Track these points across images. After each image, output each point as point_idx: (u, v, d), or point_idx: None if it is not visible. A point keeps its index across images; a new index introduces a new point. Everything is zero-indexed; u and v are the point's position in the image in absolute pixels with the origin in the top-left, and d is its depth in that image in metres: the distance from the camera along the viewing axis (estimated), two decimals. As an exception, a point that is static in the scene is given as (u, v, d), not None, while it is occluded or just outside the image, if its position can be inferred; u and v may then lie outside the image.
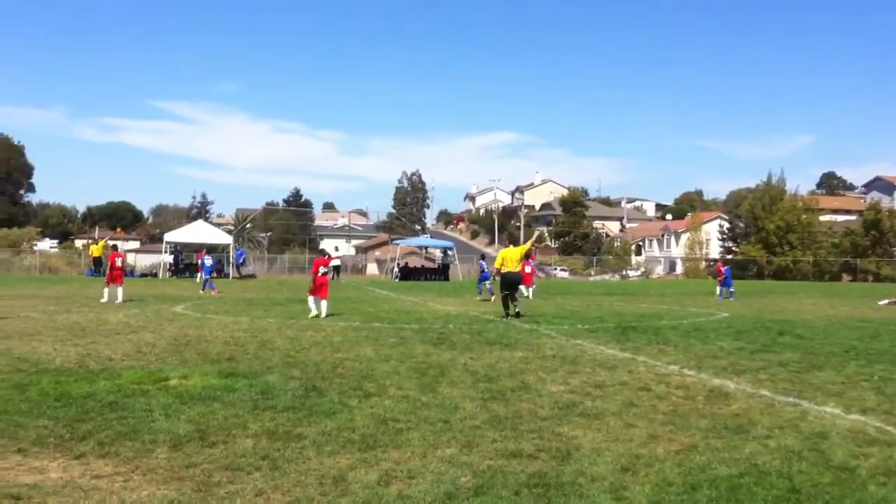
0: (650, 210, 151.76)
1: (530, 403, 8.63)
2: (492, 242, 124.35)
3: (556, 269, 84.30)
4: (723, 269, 36.34)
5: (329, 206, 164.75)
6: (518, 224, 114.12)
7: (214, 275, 34.71)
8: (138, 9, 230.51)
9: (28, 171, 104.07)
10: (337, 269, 57.32)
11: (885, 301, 31.21)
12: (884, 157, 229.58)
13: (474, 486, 5.59)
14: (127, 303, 23.82)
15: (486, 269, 31.66)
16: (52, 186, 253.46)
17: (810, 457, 6.55)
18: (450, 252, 63.97)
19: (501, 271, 20.92)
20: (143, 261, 72.63)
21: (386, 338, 14.96)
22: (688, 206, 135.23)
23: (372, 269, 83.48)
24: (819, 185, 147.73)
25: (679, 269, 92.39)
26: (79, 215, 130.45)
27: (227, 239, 56.85)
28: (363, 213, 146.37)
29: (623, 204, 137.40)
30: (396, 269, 60.05)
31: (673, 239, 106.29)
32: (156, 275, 54.35)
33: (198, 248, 58.15)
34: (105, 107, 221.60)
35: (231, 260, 54.48)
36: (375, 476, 5.81)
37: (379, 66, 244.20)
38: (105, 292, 24.64)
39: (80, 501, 5.22)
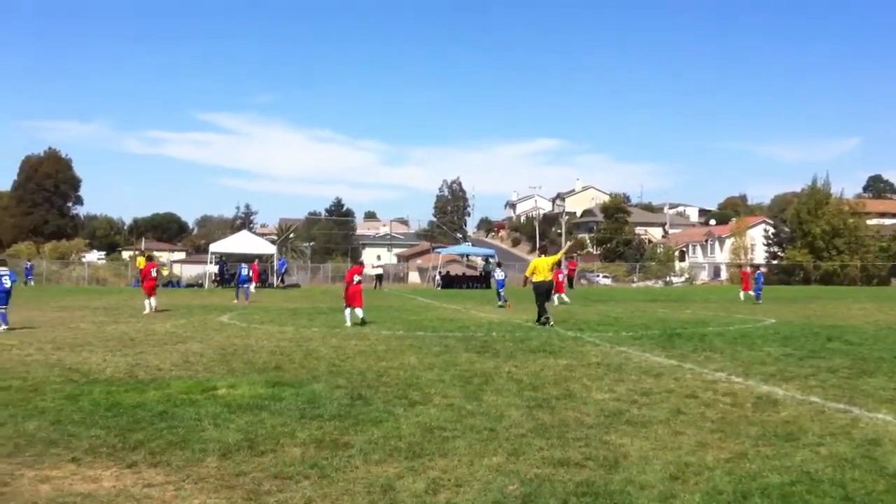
0: (693, 215, 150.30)
1: (576, 411, 8.59)
2: (533, 250, 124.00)
3: (598, 275, 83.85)
4: (755, 273, 36.06)
5: (370, 216, 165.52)
6: (559, 231, 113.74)
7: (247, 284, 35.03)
8: (180, 23, 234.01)
9: (76, 183, 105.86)
10: (379, 277, 57.65)
11: None
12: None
13: (522, 495, 5.59)
14: (161, 312, 24.16)
15: (500, 278, 33.10)
16: (99, 199, 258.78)
17: (863, 464, 6.45)
18: (492, 260, 63.92)
19: (533, 280, 20.94)
20: (188, 271, 73.56)
21: (429, 346, 14.99)
22: (731, 211, 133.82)
23: (414, 277, 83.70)
24: (865, 189, 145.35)
25: (724, 274, 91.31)
26: (125, 227, 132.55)
27: (270, 249, 57.38)
28: (404, 222, 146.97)
29: (665, 209, 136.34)
30: (438, 278, 60.16)
31: (717, 244, 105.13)
32: (201, 285, 55.00)
33: (241, 259, 58.87)
34: (149, 119, 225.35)
35: (274, 269, 54.97)
36: (423, 484, 5.83)
37: (419, 75, 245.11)
38: (146, 304, 24.96)
39: (133, 509, 5.30)
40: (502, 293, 31.42)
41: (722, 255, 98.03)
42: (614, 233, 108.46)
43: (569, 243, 31.90)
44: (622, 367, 12.24)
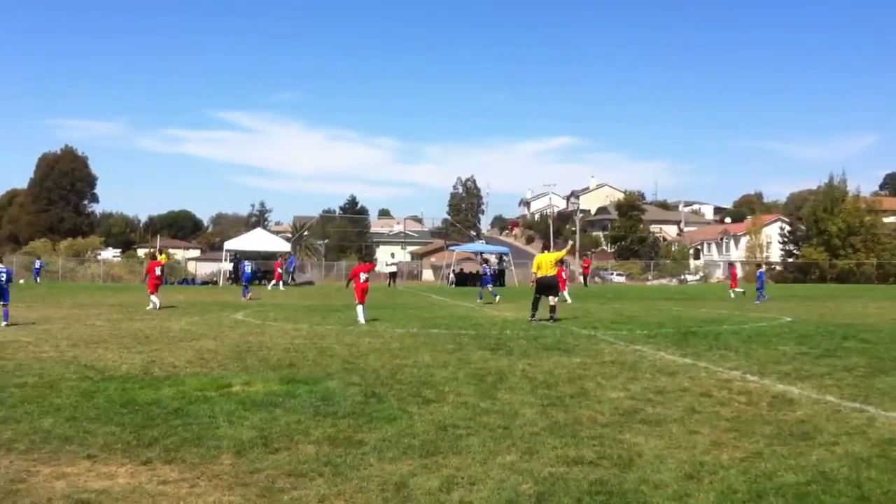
0: (708, 213, 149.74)
1: (590, 410, 8.58)
2: (546, 247, 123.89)
3: (612, 273, 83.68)
4: (757, 271, 36.41)
5: (385, 213, 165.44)
6: (573, 229, 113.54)
7: (258, 282, 35.33)
8: (197, 21, 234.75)
9: (91, 181, 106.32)
10: (393, 275, 57.70)
11: None
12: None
13: (536, 494, 5.58)
14: (164, 309, 24.50)
15: (488, 273, 35.97)
16: (114, 196, 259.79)
17: (879, 464, 6.41)
18: (505, 257, 63.87)
19: (537, 276, 21.12)
20: (203, 269, 73.89)
21: (443, 344, 14.99)
22: (747, 209, 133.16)
23: (427, 275, 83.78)
24: (882, 186, 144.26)
25: (739, 272, 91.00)
26: (141, 224, 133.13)
27: (285, 246, 57.62)
28: (418, 220, 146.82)
29: (680, 207, 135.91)
30: (452, 275, 60.18)
31: (732, 242, 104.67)
32: (216, 282, 55.22)
33: (255, 256, 59.06)
34: (166, 118, 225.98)
35: (288, 268, 55.15)
36: (437, 482, 5.83)
37: (434, 72, 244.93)
38: (151, 301, 25.25)
39: (148, 506, 5.33)
40: (490, 289, 33.50)
41: (737, 254, 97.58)
42: (629, 230, 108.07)
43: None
44: (636, 365, 12.21)
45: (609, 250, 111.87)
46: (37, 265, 56.46)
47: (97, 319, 20.55)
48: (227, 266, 56.72)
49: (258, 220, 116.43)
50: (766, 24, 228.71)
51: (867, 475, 6.07)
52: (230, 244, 56.61)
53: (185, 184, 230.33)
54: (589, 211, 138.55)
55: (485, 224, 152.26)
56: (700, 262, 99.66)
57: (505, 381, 10.45)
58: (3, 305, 18.61)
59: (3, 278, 19.08)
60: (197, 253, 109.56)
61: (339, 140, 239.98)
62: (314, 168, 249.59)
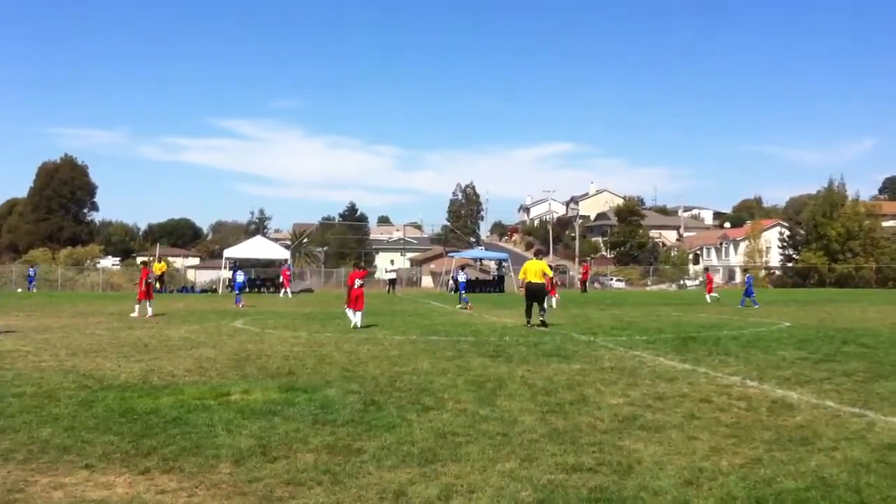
0: (708, 218, 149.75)
1: (590, 416, 8.56)
2: (547, 254, 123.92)
3: (612, 279, 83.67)
4: (745, 277, 37.17)
5: (384, 220, 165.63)
6: (573, 235, 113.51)
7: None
8: (198, 30, 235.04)
9: (91, 190, 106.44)
10: (392, 282, 57.70)
11: None
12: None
13: (535, 501, 5.57)
14: (153, 317, 24.66)
15: (462, 280, 37.20)
16: (114, 205, 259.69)
17: (879, 469, 6.40)
18: (504, 264, 63.88)
19: (525, 282, 21.62)
20: (202, 277, 73.87)
21: (443, 351, 14.98)
22: (746, 214, 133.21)
23: (427, 281, 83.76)
24: (882, 190, 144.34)
25: (738, 277, 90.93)
26: (140, 233, 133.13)
27: (284, 254, 57.63)
28: (418, 227, 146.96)
29: (680, 212, 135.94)
30: (451, 282, 60.13)
31: (731, 247, 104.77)
32: (215, 290, 55.20)
33: (254, 264, 59.13)
34: (167, 126, 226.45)
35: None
36: (436, 490, 5.81)
37: (434, 79, 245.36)
38: (146, 307, 25.43)
39: (146, 516, 5.31)
40: (463, 294, 34.57)
41: (736, 258, 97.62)
42: (628, 236, 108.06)
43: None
44: (636, 371, 12.20)
45: (609, 256, 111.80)
46: (31, 273, 56.40)
47: (96, 328, 20.52)
48: (227, 274, 56.66)
49: (258, 227, 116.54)
50: (766, 28, 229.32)
51: (866, 480, 6.06)
52: (229, 252, 56.58)
53: (185, 192, 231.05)
54: (588, 217, 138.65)
55: (484, 230, 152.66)
56: (699, 267, 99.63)
57: (504, 388, 10.44)
58: None
59: None
60: (196, 261, 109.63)
61: (340, 147, 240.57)
62: (314, 175, 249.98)
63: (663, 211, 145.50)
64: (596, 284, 74.77)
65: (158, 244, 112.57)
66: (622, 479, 6.11)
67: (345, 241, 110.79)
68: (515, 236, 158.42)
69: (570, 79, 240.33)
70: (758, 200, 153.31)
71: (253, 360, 13.49)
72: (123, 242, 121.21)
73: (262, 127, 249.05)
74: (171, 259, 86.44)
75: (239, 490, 5.85)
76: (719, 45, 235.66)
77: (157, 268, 53.14)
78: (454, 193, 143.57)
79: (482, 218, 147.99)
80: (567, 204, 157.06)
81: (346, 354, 14.37)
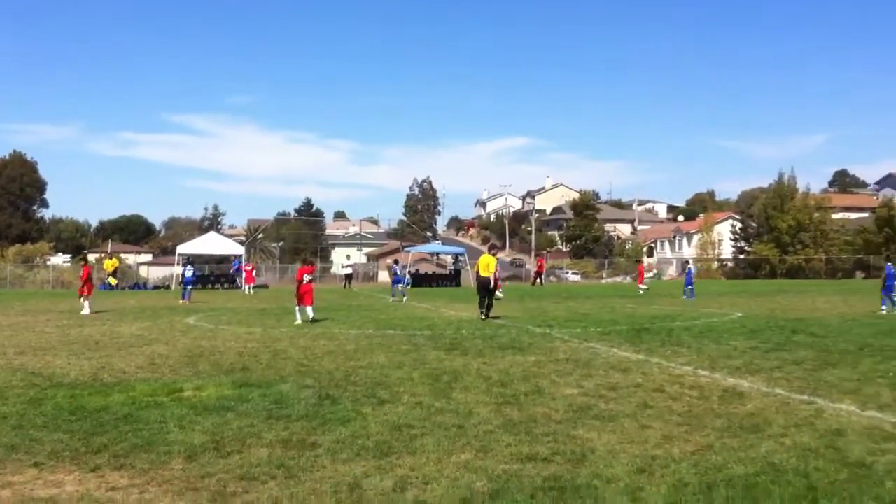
0: (662, 212, 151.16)
1: (544, 407, 8.62)
2: (503, 248, 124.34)
3: (567, 272, 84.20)
4: (685, 269, 38.24)
5: (340, 215, 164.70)
6: (529, 229, 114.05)
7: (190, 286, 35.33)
8: (150, 25, 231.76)
9: (41, 186, 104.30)
10: (349, 277, 57.51)
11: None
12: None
13: (490, 491, 5.59)
14: (95, 314, 24.42)
15: (398, 273, 37.21)
16: (65, 201, 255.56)
17: (827, 454, 6.52)
18: (461, 258, 64.01)
19: (478, 275, 22.50)
20: (155, 273, 72.99)
21: (398, 345, 14.97)
22: (699, 207, 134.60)
23: (383, 276, 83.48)
24: (832, 183, 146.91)
25: (692, 270, 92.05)
26: (91, 229, 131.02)
27: (238, 250, 57.15)
28: (374, 222, 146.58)
29: (634, 206, 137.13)
30: (408, 276, 60.12)
31: (685, 240, 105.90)
32: (168, 287, 54.59)
33: (208, 260, 58.57)
34: (119, 122, 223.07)
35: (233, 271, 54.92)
36: (391, 482, 5.81)
37: (389, 73, 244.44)
38: (89, 303, 25.12)
39: (96, 513, 5.24)
40: (400, 288, 35.24)
41: (690, 251, 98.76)
42: (584, 230, 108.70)
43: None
44: (590, 362, 12.30)
45: (564, 249, 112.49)
46: None
47: (46, 326, 20.18)
48: (180, 270, 56.11)
49: (211, 223, 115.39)
50: (717, 23, 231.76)
51: (815, 465, 6.18)
52: (182, 248, 55.86)
53: (137, 188, 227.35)
54: (544, 211, 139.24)
55: (441, 225, 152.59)
56: (654, 260, 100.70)
57: (460, 381, 10.46)
58: None
59: None
60: (149, 257, 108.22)
61: (295, 142, 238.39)
62: (269, 170, 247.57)
63: (618, 205, 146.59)
64: (552, 278, 75.15)
65: (110, 241, 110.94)
66: (576, 468, 6.15)
67: (300, 236, 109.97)
68: (472, 231, 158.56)
69: (527, 73, 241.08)
70: (711, 194, 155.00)
71: (206, 357, 13.36)
72: (74, 239, 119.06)
73: (216, 122, 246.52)
74: (123, 256, 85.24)
75: (191, 486, 5.80)
76: (672, 39, 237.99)
77: (109, 265, 52.40)
78: (411, 188, 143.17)
79: (439, 213, 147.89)
80: (523, 198, 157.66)
81: (301, 350, 14.29)
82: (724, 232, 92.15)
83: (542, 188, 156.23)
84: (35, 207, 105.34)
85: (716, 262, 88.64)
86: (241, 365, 12.24)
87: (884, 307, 23.27)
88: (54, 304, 32.39)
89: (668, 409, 8.46)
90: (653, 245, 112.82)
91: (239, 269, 54.81)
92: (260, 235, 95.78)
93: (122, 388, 10.02)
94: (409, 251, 71.56)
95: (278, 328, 19.11)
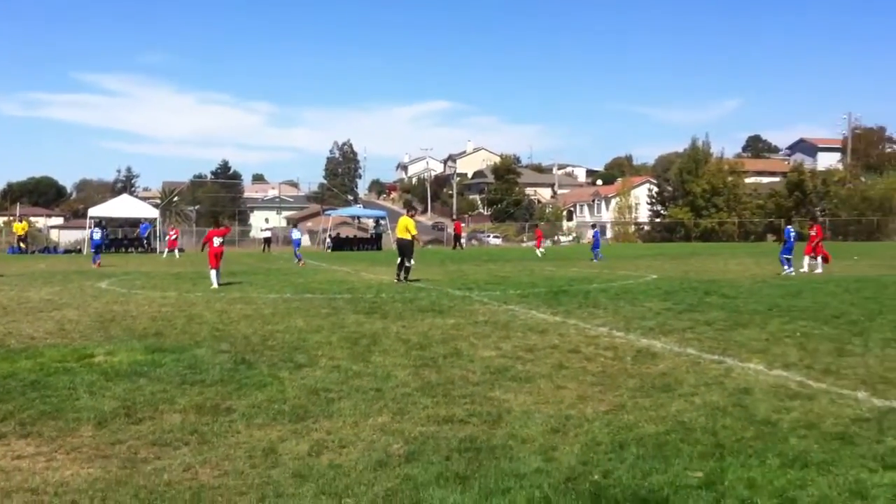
0: (581, 176, 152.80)
1: (462, 369, 8.66)
2: (425, 211, 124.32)
3: (489, 236, 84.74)
4: (592, 232, 40.19)
5: (259, 178, 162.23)
6: (451, 192, 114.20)
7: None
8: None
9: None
10: (268, 240, 56.79)
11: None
12: (807, 120, 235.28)
13: (406, 453, 5.60)
14: (2, 277, 23.64)
15: (296, 238, 38.87)
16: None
17: (734, 412, 6.70)
18: (382, 222, 63.80)
19: (397, 238, 22.81)
20: (66, 237, 71.01)
21: (317, 308, 14.86)
22: (617, 172, 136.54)
23: (304, 240, 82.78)
24: (745, 149, 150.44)
25: (609, 233, 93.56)
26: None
27: (153, 213, 55.95)
28: (294, 185, 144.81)
29: (554, 170, 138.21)
30: (329, 240, 59.73)
31: (603, 204, 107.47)
32: (80, 251, 53.15)
33: (122, 224, 57.22)
34: (27, 81, 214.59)
35: (158, 235, 53.73)
36: (306, 447, 5.77)
37: (308, 34, 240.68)
38: None
39: (0, 483, 5.07)
40: (297, 252, 36.04)
41: (608, 215, 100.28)
42: (505, 193, 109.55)
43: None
44: (509, 324, 12.40)
45: (486, 213, 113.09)
46: None
47: (-50, 291, 19.44)
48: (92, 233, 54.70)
49: (125, 185, 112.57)
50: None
51: (723, 423, 6.34)
52: (94, 211, 54.34)
53: (47, 149, 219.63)
54: (466, 174, 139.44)
55: (362, 188, 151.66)
56: (573, 224, 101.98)
57: (379, 344, 10.44)
58: None
59: None
60: (60, 220, 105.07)
61: (211, 103, 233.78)
62: (185, 132, 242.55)
63: (538, 169, 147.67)
64: (473, 241, 75.58)
65: (19, 204, 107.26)
66: (492, 429, 6.20)
67: (217, 199, 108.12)
68: (394, 194, 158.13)
69: (446, 36, 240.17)
70: (628, 158, 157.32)
71: (118, 322, 13.05)
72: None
73: (128, 82, 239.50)
74: (33, 219, 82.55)
75: (101, 453, 5.66)
76: (588, 5, 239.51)
77: (18, 228, 50.78)
78: (331, 151, 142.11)
79: (360, 176, 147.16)
80: (445, 162, 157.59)
81: (216, 314, 14.07)
82: (642, 196, 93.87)
83: (464, 152, 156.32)
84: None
85: (633, 226, 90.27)
86: (155, 330, 11.99)
87: (789, 269, 23.78)
88: (-41, 268, 31.22)
89: (583, 370, 8.59)
90: (572, 209, 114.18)
91: (148, 233, 53.78)
92: (175, 198, 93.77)
93: (30, 354, 9.72)
94: (329, 214, 70.97)
95: (193, 292, 18.77)
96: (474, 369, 8.65)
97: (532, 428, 6.21)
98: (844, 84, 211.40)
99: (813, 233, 25.38)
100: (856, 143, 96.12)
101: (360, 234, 70.80)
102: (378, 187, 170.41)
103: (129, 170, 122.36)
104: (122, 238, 55.99)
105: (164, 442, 5.91)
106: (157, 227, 54.83)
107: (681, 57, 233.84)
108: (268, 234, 60.24)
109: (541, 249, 43.85)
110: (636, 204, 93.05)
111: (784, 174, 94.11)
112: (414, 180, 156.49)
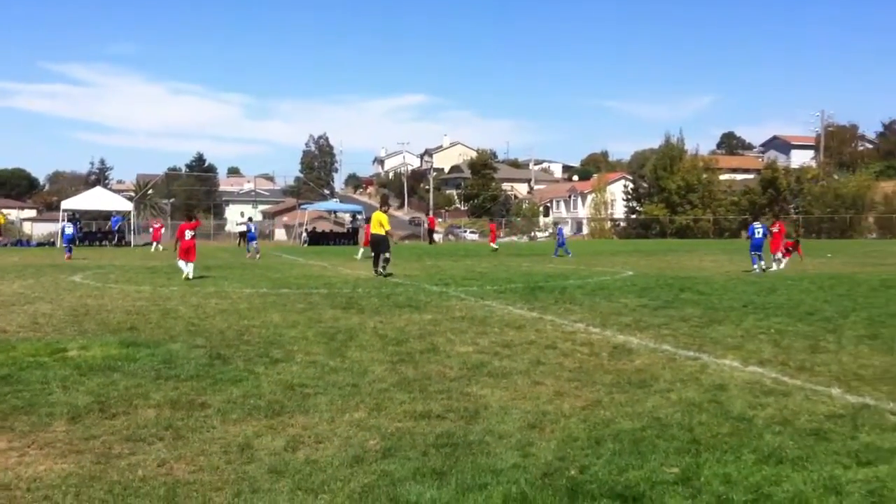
0: (557, 171, 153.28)
1: (439, 365, 8.65)
2: (401, 206, 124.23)
3: (465, 231, 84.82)
4: (556, 229, 40.84)
5: (234, 171, 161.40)
6: (427, 187, 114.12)
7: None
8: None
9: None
10: (243, 234, 56.48)
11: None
12: (781, 117, 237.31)
13: (382, 449, 5.58)
14: None
15: (252, 231, 39.43)
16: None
17: (710, 408, 6.73)
18: (359, 216, 63.63)
19: (371, 233, 22.83)
20: (39, 229, 70.36)
21: (293, 303, 14.80)
22: (593, 167, 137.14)
23: (280, 234, 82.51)
24: (719, 145, 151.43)
25: (585, 229, 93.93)
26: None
27: (127, 205, 55.51)
28: (270, 178, 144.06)
29: (531, 166, 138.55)
30: (305, 234, 59.51)
31: (579, 200, 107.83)
32: (53, 244, 52.65)
33: (95, 216, 56.74)
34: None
35: (133, 228, 53.39)
36: (282, 442, 5.74)
37: (284, 26, 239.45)
38: None
39: (-29, 479, 5.01)
40: (254, 245, 36.79)
41: (584, 211, 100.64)
42: (481, 189, 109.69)
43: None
44: (486, 320, 12.41)
45: (462, 208, 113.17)
46: None
47: (-80, 284, 19.19)
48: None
49: (98, 178, 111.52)
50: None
51: (698, 419, 6.37)
52: (67, 203, 53.84)
53: (17, 140, 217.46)
54: (442, 169, 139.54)
55: (339, 182, 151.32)
56: (549, 220, 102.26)
57: (355, 340, 10.41)
58: None
59: None
60: (33, 213, 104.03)
61: (184, 94, 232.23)
62: (158, 124, 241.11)
63: (515, 164, 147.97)
64: (450, 236, 75.67)
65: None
66: (468, 425, 6.20)
67: (192, 192, 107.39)
68: (370, 188, 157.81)
69: (423, 30, 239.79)
70: (604, 154, 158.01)
71: (92, 316, 12.93)
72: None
73: (98, 72, 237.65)
74: (5, 211, 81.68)
75: (75, 448, 5.60)
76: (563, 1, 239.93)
77: (-5, 220, 50.31)
78: (307, 144, 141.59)
79: (336, 170, 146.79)
80: (421, 156, 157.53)
81: (192, 308, 13.97)
82: (617, 192, 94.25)
83: (441, 146, 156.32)
84: None
85: (608, 222, 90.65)
86: (129, 324, 11.88)
87: (758, 266, 23.61)
88: (-71, 261, 30.85)
89: (560, 366, 8.61)
90: (548, 204, 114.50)
91: (118, 227, 53.42)
92: (150, 191, 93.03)
93: (2, 347, 9.59)
94: (305, 208, 70.64)
95: (168, 286, 18.63)
96: (451, 365, 8.65)
97: (509, 423, 6.22)
98: (818, 82, 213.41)
99: (776, 230, 25.47)
100: (829, 141, 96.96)
101: (337, 229, 70.59)
102: (354, 182, 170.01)
103: (102, 162, 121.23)
104: (96, 231, 55.47)
105: (139, 437, 5.86)
106: (132, 220, 54.41)
107: (655, 53, 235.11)
108: (243, 227, 59.94)
109: (494, 245, 43.81)
110: (612, 200, 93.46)
111: (758, 171, 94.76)
112: (391, 175, 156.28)
